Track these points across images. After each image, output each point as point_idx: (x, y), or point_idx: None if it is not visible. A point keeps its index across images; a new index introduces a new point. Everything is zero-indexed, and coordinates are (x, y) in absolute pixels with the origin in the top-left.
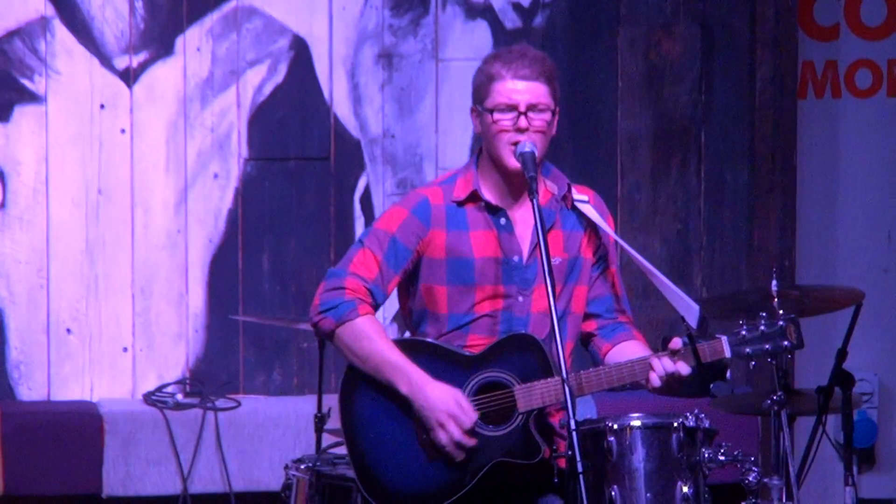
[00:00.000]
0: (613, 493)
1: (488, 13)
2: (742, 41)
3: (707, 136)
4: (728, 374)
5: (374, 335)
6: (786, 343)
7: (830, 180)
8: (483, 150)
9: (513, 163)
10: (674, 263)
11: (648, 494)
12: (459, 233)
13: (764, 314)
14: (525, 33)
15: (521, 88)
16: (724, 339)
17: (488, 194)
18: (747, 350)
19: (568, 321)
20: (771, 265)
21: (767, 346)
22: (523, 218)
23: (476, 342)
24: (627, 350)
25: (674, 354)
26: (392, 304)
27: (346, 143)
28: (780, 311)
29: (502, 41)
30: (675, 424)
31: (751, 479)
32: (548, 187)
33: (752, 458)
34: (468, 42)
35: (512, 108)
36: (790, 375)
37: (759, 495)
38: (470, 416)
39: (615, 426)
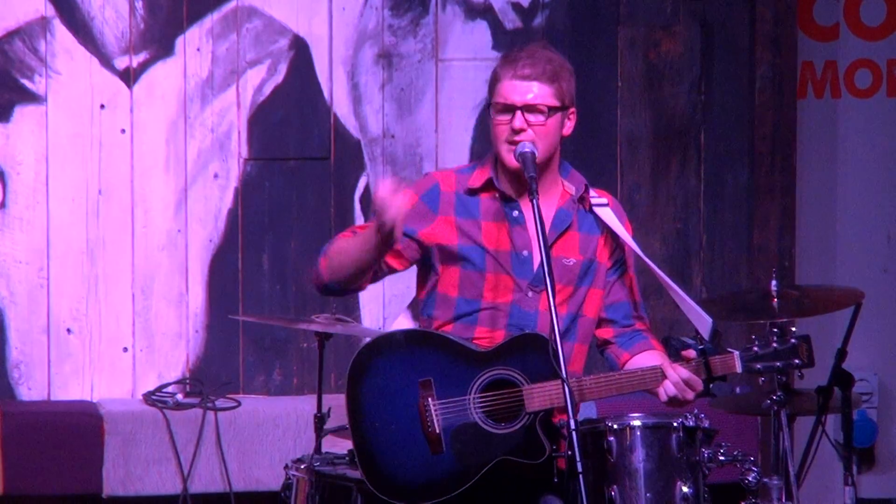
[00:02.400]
0: (613, 493)
1: (488, 13)
2: (742, 41)
3: (707, 136)
4: (738, 389)
5: (345, 234)
6: (796, 361)
7: (830, 180)
8: None
9: (511, 161)
10: (674, 263)
11: (648, 494)
12: (471, 221)
13: (776, 330)
14: (525, 33)
15: (519, 89)
16: (736, 354)
17: (504, 185)
18: (758, 366)
19: (579, 324)
20: (771, 265)
21: (778, 364)
22: (531, 212)
23: (483, 335)
24: (646, 362)
25: (686, 362)
26: (403, 293)
27: (346, 143)
28: (793, 329)
29: (502, 41)
30: (675, 424)
31: (750, 479)
32: (565, 188)
33: (752, 458)
34: (468, 42)
35: (509, 108)
36: (790, 375)
37: (758, 495)
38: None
39: (615, 426)
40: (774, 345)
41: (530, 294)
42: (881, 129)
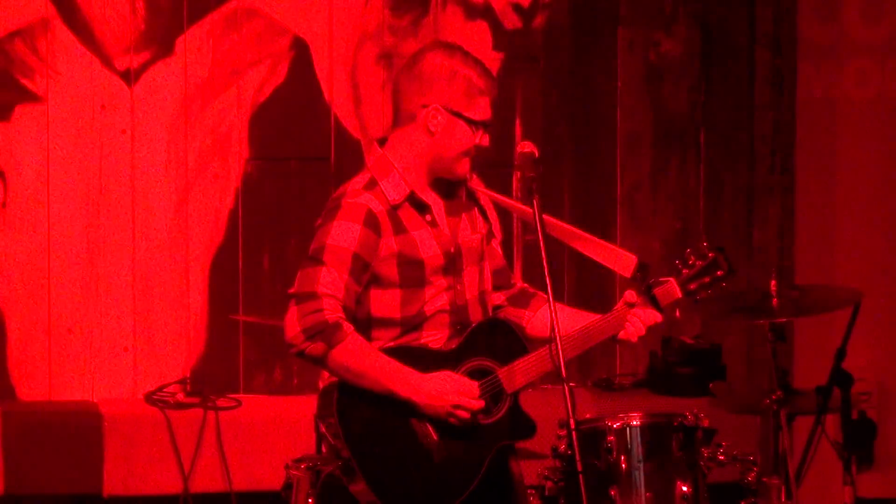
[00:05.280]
0: (613, 493)
1: (488, 13)
2: (741, 41)
3: (706, 135)
4: (678, 312)
5: (366, 350)
6: (720, 273)
7: (830, 180)
8: (413, 147)
9: (467, 172)
10: (674, 263)
11: (648, 494)
12: (403, 236)
13: (689, 250)
14: (525, 33)
15: (490, 107)
16: (672, 280)
17: (423, 193)
18: (692, 287)
19: (487, 300)
20: (771, 265)
21: (707, 280)
22: (439, 209)
23: (431, 337)
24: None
25: (633, 306)
26: None
27: (346, 143)
28: (705, 244)
29: (502, 41)
30: (675, 424)
31: (750, 478)
32: None
33: (752, 458)
34: (468, 42)
35: (484, 124)
36: (789, 375)
37: (758, 495)
38: (469, 387)
39: (615, 426)
40: (699, 262)
41: (458, 287)
42: (881, 129)
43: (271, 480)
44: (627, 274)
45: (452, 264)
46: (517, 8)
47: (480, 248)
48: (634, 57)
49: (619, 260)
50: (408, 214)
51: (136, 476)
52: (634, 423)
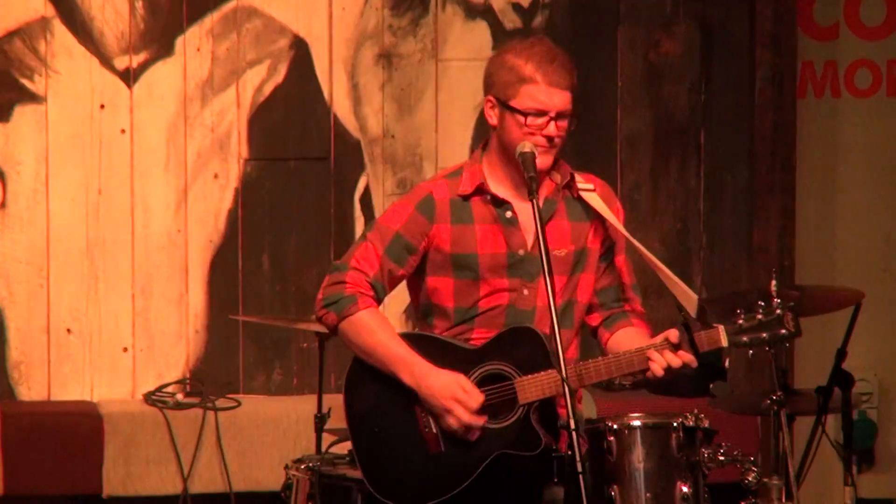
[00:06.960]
0: (613, 493)
1: (488, 13)
2: (741, 41)
3: (707, 135)
4: (727, 362)
5: (377, 328)
6: (783, 331)
7: (830, 180)
8: (492, 142)
9: (544, 164)
10: (674, 263)
11: (648, 494)
12: (464, 227)
13: (762, 303)
14: (525, 33)
15: (554, 97)
16: (721, 328)
17: (495, 187)
18: (744, 339)
19: (574, 310)
20: (771, 265)
21: (765, 335)
22: (529, 210)
23: (482, 335)
24: (623, 338)
25: (673, 345)
26: (401, 299)
27: (346, 143)
28: (777, 300)
29: (502, 41)
30: (675, 424)
31: (750, 478)
32: (551, 178)
33: (752, 458)
34: (468, 42)
35: (543, 113)
36: (790, 375)
37: (758, 495)
38: (475, 397)
39: (615, 426)
40: (760, 316)
41: (525, 292)
42: (881, 129)
43: (271, 481)
44: (692, 311)
45: (521, 266)
46: (517, 8)
47: (571, 261)
48: (634, 57)
49: (684, 296)
50: (480, 206)
51: (135, 476)
52: (634, 423)
